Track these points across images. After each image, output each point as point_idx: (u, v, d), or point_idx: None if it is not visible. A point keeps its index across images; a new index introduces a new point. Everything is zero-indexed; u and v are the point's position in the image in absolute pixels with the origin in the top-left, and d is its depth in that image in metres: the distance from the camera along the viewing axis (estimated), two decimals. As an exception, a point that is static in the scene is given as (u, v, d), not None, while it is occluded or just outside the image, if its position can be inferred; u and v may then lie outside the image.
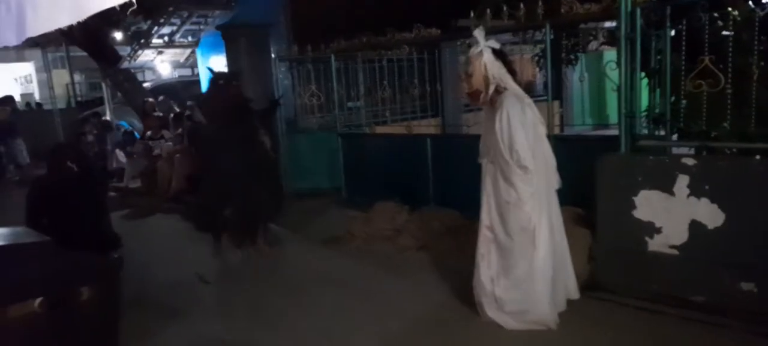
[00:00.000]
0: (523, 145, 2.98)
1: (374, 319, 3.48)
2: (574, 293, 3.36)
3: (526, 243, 3.08)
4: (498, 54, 3.10)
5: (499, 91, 3.08)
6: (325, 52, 6.22)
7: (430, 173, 5.35)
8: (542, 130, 3.17)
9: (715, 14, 3.55)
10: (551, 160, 3.19)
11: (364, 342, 3.25)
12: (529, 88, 7.47)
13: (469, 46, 3.31)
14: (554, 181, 3.19)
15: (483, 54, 3.05)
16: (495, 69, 3.05)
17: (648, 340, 2.99)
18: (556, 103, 5.49)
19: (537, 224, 3.06)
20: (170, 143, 7.97)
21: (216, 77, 4.70)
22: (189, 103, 9.19)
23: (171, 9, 10.38)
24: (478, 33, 3.10)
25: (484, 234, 3.25)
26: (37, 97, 20.63)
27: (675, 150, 3.60)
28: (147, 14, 10.43)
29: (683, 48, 3.36)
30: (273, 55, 6.78)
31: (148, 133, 8.49)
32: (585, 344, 3.02)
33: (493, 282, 3.20)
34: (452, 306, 3.51)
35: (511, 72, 3.15)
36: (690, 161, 3.16)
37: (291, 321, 3.56)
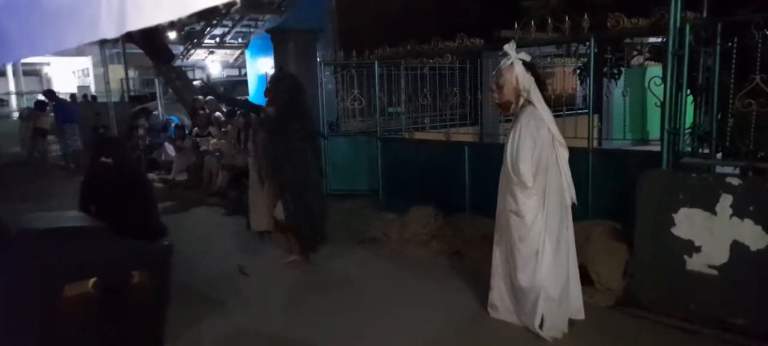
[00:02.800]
0: (526, 164, 3.04)
1: (406, 321, 3.55)
2: (577, 314, 3.30)
3: (528, 255, 3.11)
4: (528, 66, 3.14)
5: (523, 105, 3.14)
6: (369, 59, 6.36)
7: (466, 180, 5.38)
8: (562, 152, 3.14)
9: (768, 32, 3.46)
10: (568, 178, 3.16)
11: (396, 343, 3.32)
12: (569, 101, 7.39)
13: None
14: (568, 197, 3.16)
15: (514, 66, 3.10)
16: (526, 81, 3.10)
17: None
18: (596, 116, 5.42)
19: (541, 240, 3.07)
20: (215, 140, 8.26)
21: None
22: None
23: (224, 11, 10.73)
24: (509, 47, 3.16)
25: (501, 233, 3.33)
26: (92, 89, 21.75)
27: (718, 169, 3.53)
28: (201, 16, 10.82)
29: (733, 66, 3.31)
30: (319, 60, 6.96)
31: (196, 129, 8.81)
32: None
33: (511, 281, 3.28)
34: (483, 313, 3.54)
35: (540, 85, 3.18)
36: (735, 181, 3.10)
37: (325, 319, 3.67)
